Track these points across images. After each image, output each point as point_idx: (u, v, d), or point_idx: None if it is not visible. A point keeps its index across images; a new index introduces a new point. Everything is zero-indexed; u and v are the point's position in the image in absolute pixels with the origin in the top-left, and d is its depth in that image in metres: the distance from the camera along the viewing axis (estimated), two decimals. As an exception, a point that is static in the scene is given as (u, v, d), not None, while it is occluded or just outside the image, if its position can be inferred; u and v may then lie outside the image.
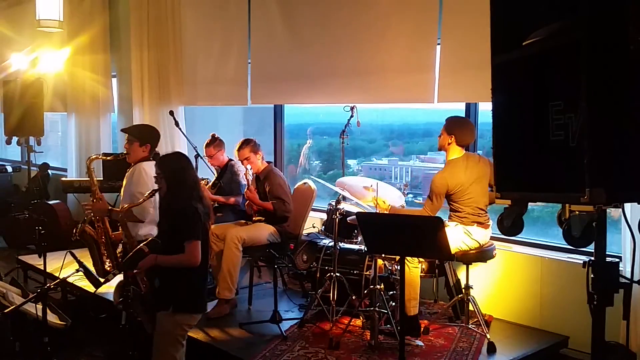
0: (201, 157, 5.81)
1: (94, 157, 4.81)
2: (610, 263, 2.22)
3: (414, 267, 4.30)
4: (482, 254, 4.37)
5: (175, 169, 3.53)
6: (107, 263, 4.65)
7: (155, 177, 3.61)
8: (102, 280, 3.64)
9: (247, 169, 5.10)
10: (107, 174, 6.54)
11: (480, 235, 4.34)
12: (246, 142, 5.18)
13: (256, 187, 5.18)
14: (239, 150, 5.18)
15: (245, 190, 5.14)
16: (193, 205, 3.39)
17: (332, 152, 7.51)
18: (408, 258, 4.15)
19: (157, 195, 4.24)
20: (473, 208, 4.33)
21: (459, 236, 4.28)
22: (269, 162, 5.33)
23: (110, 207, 4.42)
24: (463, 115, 5.04)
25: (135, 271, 3.37)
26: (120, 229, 4.48)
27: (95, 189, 4.57)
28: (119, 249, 4.62)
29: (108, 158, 5.09)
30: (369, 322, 4.29)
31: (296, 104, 6.69)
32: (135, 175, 4.36)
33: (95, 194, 4.56)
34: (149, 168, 4.28)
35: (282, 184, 5.14)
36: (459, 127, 4.40)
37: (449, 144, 4.38)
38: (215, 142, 5.73)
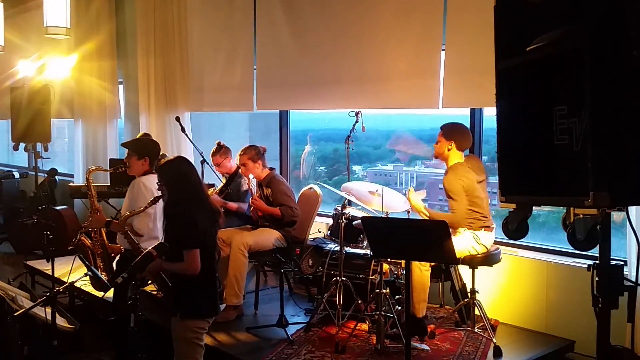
0: (207, 163, 5.84)
1: (93, 168, 4.83)
2: (615, 266, 2.24)
3: (426, 270, 4.31)
4: (489, 258, 4.37)
5: (174, 175, 3.51)
6: (103, 275, 4.65)
7: (157, 185, 3.61)
8: (109, 284, 3.66)
9: (249, 178, 5.12)
10: (114, 180, 6.58)
11: (487, 240, 4.34)
12: (246, 150, 5.18)
13: (259, 194, 5.19)
14: (240, 156, 5.21)
15: (251, 199, 5.15)
16: (190, 212, 3.36)
17: (337, 158, 7.52)
18: (420, 260, 4.18)
19: (157, 209, 4.28)
20: (481, 210, 4.31)
21: (468, 242, 4.29)
22: (271, 169, 5.30)
23: (108, 219, 4.43)
24: (467, 120, 5.06)
25: (142, 275, 3.38)
26: (117, 241, 4.50)
27: (93, 201, 4.60)
28: (115, 260, 4.63)
29: (107, 170, 5.15)
30: (375, 326, 4.30)
31: (301, 109, 6.72)
32: (134, 191, 4.35)
33: (93, 205, 4.58)
34: (148, 182, 4.29)
35: (286, 190, 5.14)
36: (458, 132, 4.41)
37: (448, 149, 4.38)
38: (220, 150, 5.75)
